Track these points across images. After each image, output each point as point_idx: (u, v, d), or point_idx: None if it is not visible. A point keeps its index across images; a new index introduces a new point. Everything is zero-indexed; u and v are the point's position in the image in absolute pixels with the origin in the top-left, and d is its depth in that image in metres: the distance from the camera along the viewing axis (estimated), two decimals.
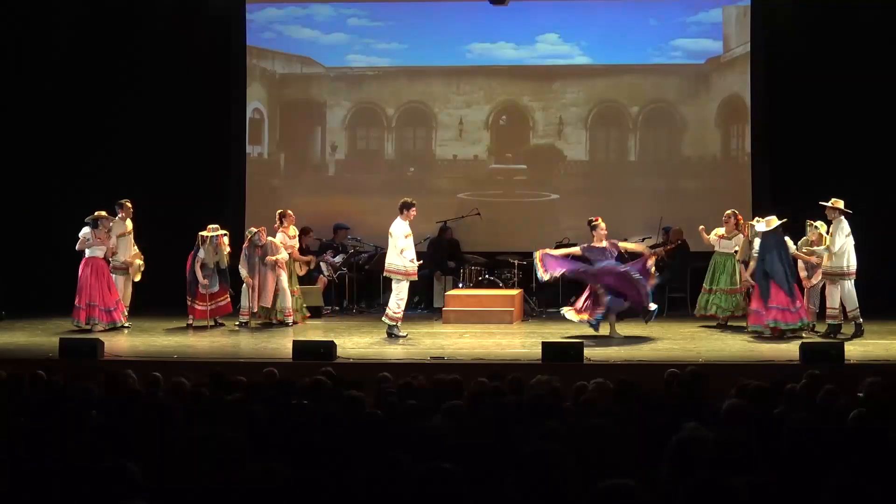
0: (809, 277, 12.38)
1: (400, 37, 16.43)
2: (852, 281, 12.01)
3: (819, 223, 12.27)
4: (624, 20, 16.01)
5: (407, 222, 12.36)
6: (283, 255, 13.36)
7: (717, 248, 13.17)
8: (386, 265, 12.50)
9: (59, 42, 15.74)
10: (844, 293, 11.99)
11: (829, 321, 12.09)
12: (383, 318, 12.43)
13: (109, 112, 15.73)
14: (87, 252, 12.87)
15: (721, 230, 13.21)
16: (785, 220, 12.05)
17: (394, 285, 12.46)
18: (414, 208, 12.42)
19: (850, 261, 11.98)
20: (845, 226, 11.97)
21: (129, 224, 13.37)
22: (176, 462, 4.37)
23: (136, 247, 13.51)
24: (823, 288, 12.40)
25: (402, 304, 12.39)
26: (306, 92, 16.63)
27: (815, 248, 12.23)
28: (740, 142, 15.98)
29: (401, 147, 16.54)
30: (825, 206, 12.04)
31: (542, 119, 16.25)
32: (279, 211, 13.98)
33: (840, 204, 11.98)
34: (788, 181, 15.08)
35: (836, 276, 12.02)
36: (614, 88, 16.16)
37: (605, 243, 12.21)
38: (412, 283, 12.37)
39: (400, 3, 16.46)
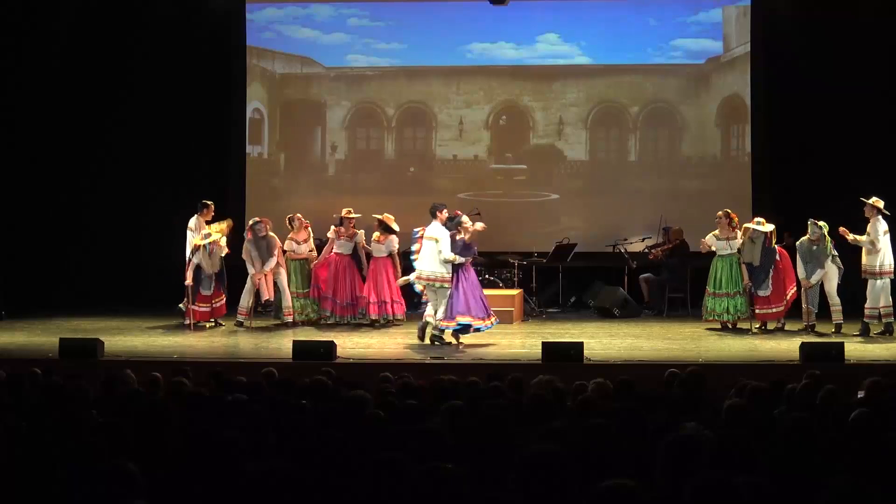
0: (808, 278, 12.31)
1: (400, 37, 16.43)
2: (887, 280, 12.04)
3: (822, 223, 12.22)
4: (624, 20, 16.00)
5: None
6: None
7: (717, 252, 12.92)
8: (427, 273, 11.80)
9: (58, 42, 15.71)
10: (875, 290, 12.00)
11: (875, 320, 12.08)
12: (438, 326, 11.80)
13: (109, 113, 15.71)
14: (336, 249, 13.42)
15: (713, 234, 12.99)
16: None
17: (439, 293, 11.76)
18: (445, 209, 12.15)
19: (886, 259, 12.02)
20: (883, 224, 12.01)
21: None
22: (176, 462, 4.37)
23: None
24: (822, 288, 12.40)
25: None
26: (306, 92, 16.62)
27: (859, 238, 12.13)
28: (740, 142, 15.97)
29: (401, 147, 16.53)
30: (865, 203, 12.06)
31: (542, 119, 16.25)
32: (288, 216, 13.81)
33: (880, 204, 12.01)
34: (788, 181, 15.08)
35: (869, 274, 12.06)
36: (614, 88, 16.15)
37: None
38: (412, 283, 12.24)
39: (400, 3, 16.46)
